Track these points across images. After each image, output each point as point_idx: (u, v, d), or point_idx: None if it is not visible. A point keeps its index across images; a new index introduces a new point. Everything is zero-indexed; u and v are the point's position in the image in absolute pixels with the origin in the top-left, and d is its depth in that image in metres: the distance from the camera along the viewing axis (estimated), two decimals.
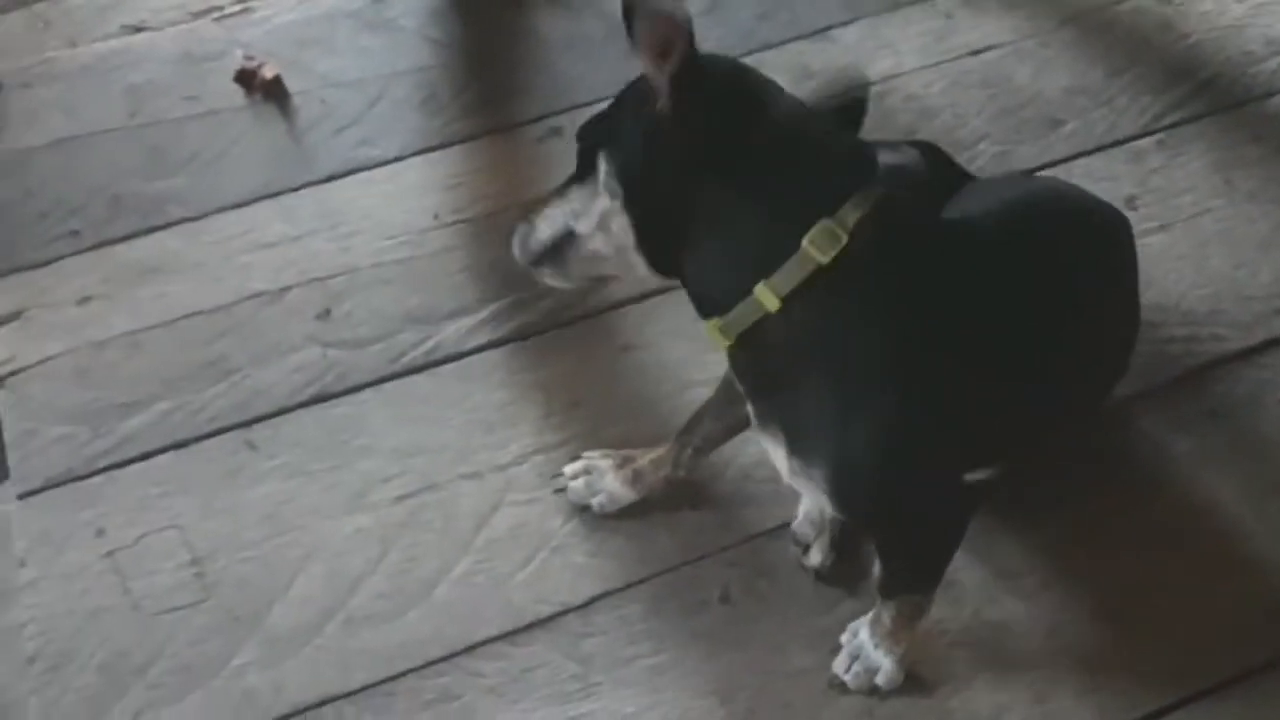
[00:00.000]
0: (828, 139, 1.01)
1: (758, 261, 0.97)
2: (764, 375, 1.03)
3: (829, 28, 1.76)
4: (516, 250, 1.13)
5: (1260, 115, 1.68)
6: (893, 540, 1.14)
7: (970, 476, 1.13)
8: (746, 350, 1.02)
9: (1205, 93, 1.70)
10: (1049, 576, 1.29)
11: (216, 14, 1.82)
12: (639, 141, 0.99)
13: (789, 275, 0.96)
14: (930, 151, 1.30)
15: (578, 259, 1.09)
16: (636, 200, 1.00)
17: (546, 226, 1.10)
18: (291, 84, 1.72)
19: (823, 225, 0.95)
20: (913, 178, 1.17)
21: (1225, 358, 1.44)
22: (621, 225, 1.02)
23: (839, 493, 1.04)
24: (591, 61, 1.72)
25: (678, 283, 1.05)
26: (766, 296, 0.96)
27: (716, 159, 0.97)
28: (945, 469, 1.09)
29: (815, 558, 1.28)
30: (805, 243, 0.95)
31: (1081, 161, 1.63)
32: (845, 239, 0.95)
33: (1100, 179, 1.59)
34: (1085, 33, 1.78)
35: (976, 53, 1.74)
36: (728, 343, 1.02)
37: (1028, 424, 1.15)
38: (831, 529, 1.28)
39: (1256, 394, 1.42)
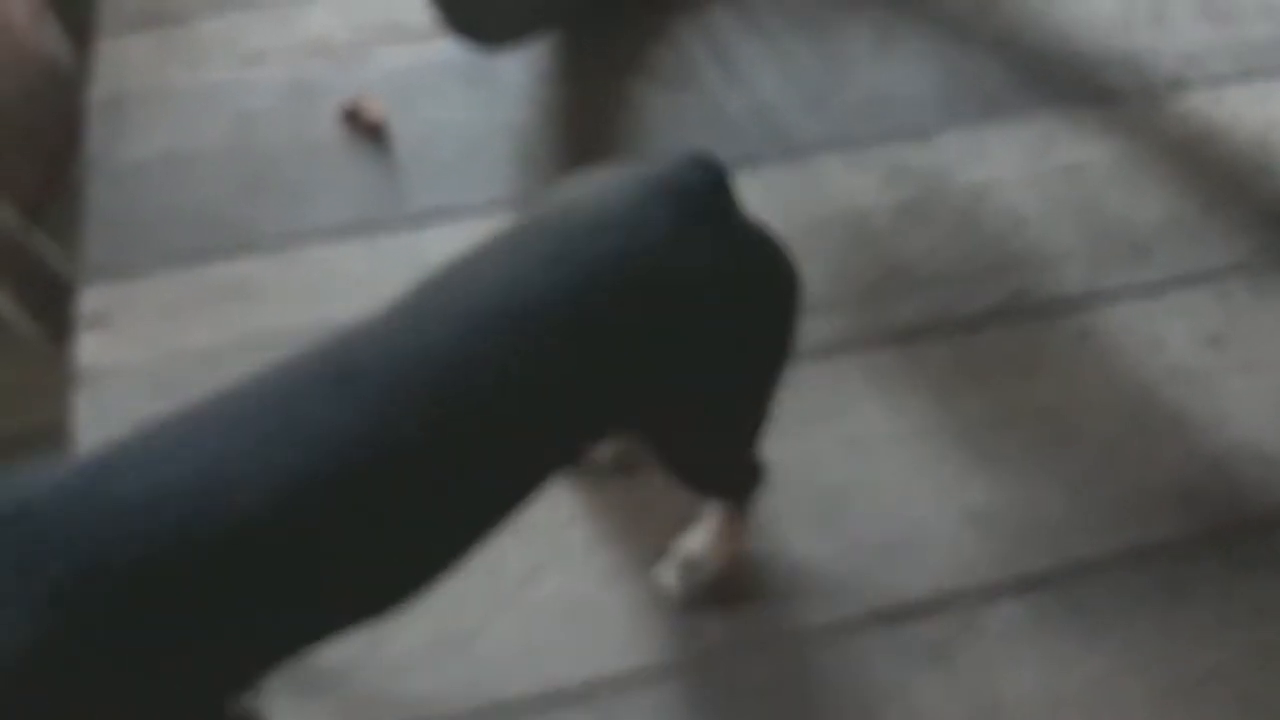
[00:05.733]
0: None
1: None
2: None
3: (927, 130, 1.78)
4: None
5: None
6: None
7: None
8: None
9: None
10: None
11: (331, 53, 1.87)
12: None
13: None
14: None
15: None
16: None
17: None
18: (395, 127, 1.76)
19: None
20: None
21: None
22: None
23: None
24: (687, 138, 1.75)
25: None
26: None
27: None
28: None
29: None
30: None
31: (1168, 293, 1.61)
32: None
33: (1186, 314, 1.57)
34: (1182, 165, 1.77)
35: (1073, 170, 1.74)
36: None
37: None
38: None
39: None
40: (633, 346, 0.89)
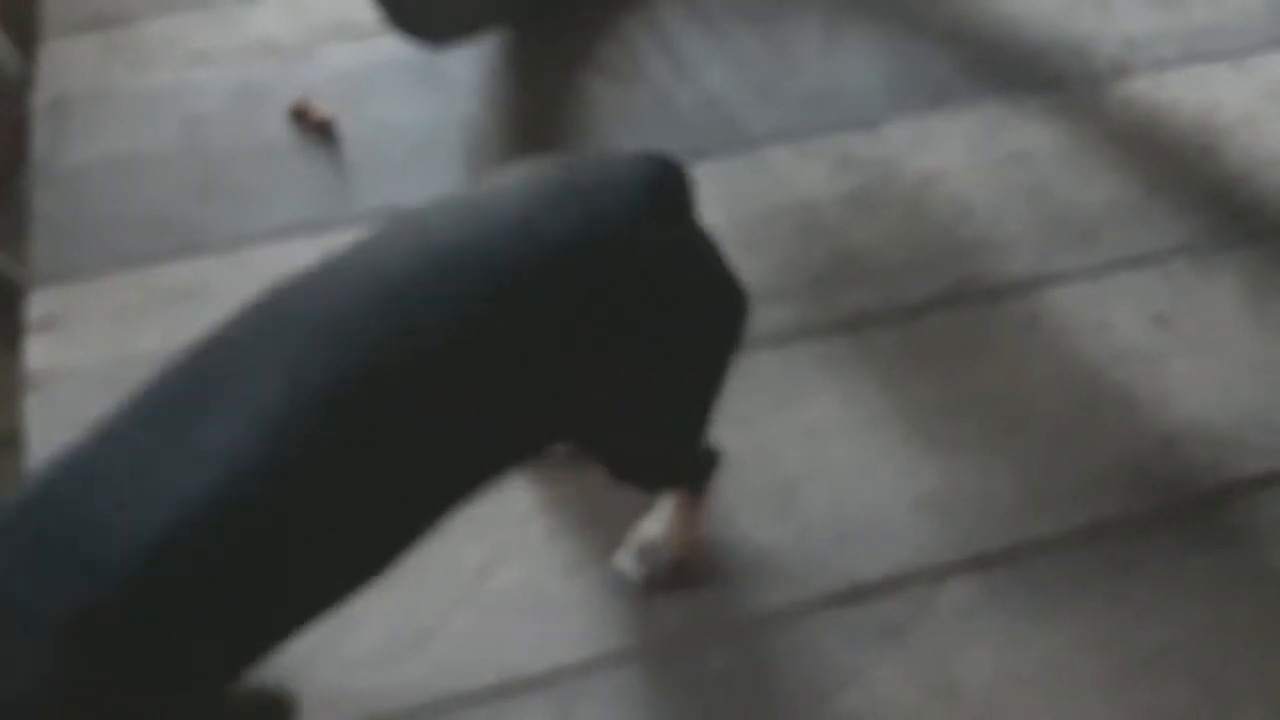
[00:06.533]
0: None
1: None
2: None
3: (875, 120, 1.79)
4: None
5: None
6: None
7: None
8: None
9: (1242, 220, 1.70)
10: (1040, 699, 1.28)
11: (277, 53, 1.86)
12: None
13: None
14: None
15: None
16: None
17: None
18: (344, 126, 1.75)
19: None
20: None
21: (1247, 482, 1.43)
22: None
23: None
24: (637, 132, 1.75)
25: None
26: None
27: None
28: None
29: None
30: None
31: (1114, 275, 1.64)
32: None
33: (1132, 295, 1.59)
34: (1128, 150, 1.79)
35: (1019, 157, 1.76)
36: None
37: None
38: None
39: (1275, 519, 1.40)
40: (581, 318, 0.90)
